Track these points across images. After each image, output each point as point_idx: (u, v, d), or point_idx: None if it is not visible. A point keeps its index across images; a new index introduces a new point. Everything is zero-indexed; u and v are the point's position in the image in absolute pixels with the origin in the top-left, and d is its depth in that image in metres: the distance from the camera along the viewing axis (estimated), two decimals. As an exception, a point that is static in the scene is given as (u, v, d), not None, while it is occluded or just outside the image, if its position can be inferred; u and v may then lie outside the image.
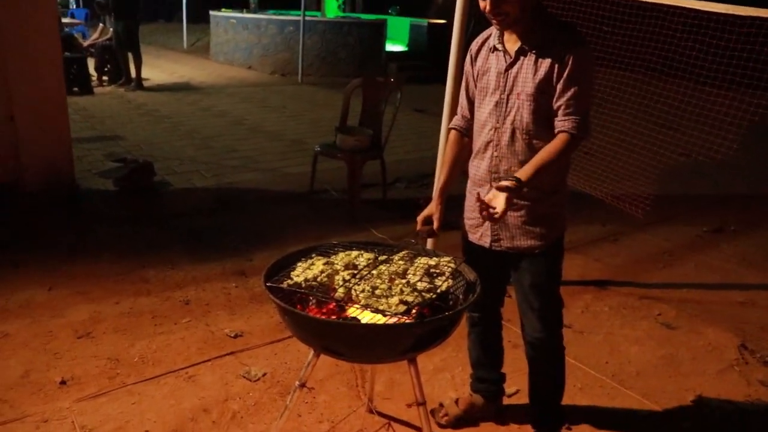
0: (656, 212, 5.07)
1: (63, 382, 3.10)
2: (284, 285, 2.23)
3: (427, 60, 14.65)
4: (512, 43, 2.35)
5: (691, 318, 4.02)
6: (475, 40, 2.53)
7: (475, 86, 2.50)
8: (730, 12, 2.89)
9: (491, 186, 2.42)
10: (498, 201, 2.16)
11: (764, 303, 4.31)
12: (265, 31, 14.40)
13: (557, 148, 2.27)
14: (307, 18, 13.55)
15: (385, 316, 2.05)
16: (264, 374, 3.23)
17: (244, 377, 3.21)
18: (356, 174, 5.47)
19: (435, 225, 2.58)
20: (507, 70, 2.35)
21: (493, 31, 2.42)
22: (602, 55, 4.87)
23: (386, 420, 2.90)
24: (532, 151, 2.34)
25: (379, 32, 14.56)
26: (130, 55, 11.05)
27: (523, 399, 3.00)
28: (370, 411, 2.94)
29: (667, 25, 4.25)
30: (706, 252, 5.19)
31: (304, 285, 2.23)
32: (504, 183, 2.16)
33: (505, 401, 3.04)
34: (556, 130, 2.30)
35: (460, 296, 2.32)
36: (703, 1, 3.12)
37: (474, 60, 2.51)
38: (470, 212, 2.59)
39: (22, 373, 3.16)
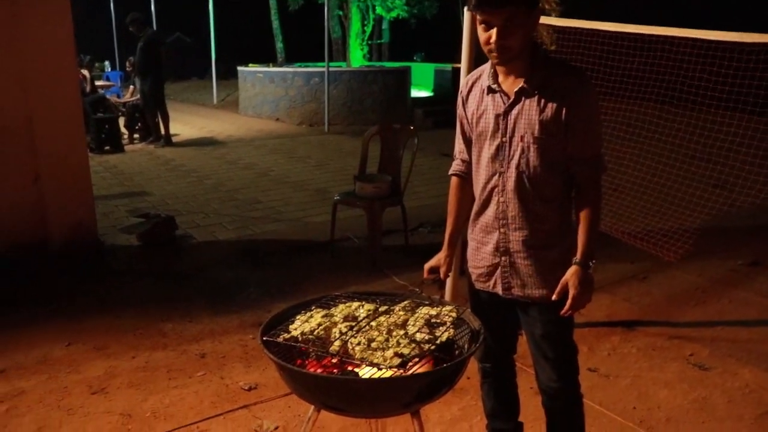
0: (688, 248, 4.91)
1: (74, 441, 3.06)
2: (280, 339, 2.17)
3: (452, 104, 14.66)
4: (510, 83, 2.24)
5: (726, 358, 3.83)
6: (465, 81, 2.44)
7: (471, 130, 2.40)
8: (737, 40, 2.81)
9: (500, 232, 2.34)
10: (571, 283, 2.21)
11: (804, 340, 4.11)
12: (291, 83, 14.65)
13: (593, 201, 2.25)
14: (331, 68, 13.77)
15: (380, 369, 1.97)
16: (276, 428, 3.15)
17: (257, 431, 3.13)
18: (376, 221, 5.42)
19: (441, 274, 2.52)
20: (507, 112, 2.25)
21: (485, 70, 2.33)
22: (616, 87, 4.81)
23: (400, 474, 2.79)
24: (539, 194, 2.26)
25: (403, 79, 14.70)
26: (158, 113, 11.32)
27: (544, 449, 2.86)
28: (384, 465, 2.82)
29: (687, 51, 4.17)
30: (741, 287, 4.99)
31: (300, 338, 2.17)
32: (569, 275, 2.22)
33: (526, 451, 2.91)
34: (578, 177, 2.25)
35: (465, 345, 2.23)
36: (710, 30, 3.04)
37: (465, 102, 2.41)
38: (478, 261, 2.47)
39: (35, 431, 3.13)
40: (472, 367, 2.65)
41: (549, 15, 2.30)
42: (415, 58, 20.33)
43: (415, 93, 15.93)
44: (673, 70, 4.68)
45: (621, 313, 4.45)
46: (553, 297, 2.25)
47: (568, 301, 2.21)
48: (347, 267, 5.46)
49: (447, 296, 4.14)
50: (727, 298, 4.78)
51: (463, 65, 3.87)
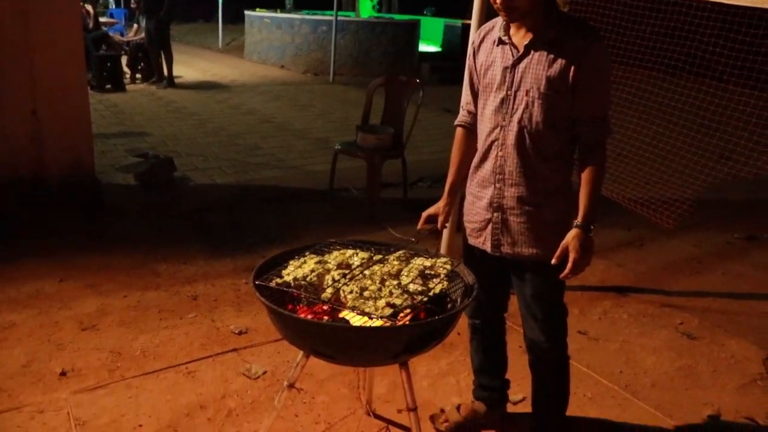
0: (687, 217, 4.89)
1: (63, 374, 3.08)
2: (272, 284, 2.16)
3: (460, 61, 14.50)
4: (521, 37, 2.20)
5: (714, 328, 3.85)
6: (478, 31, 2.40)
7: (479, 81, 2.37)
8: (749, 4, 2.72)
9: (495, 187, 2.32)
10: (571, 247, 2.18)
11: (795, 315, 4.12)
12: (298, 30, 14.43)
13: (598, 164, 2.22)
14: (340, 18, 13.54)
15: (371, 319, 1.96)
16: (264, 372, 3.17)
17: (245, 375, 3.15)
18: (376, 173, 5.39)
19: (439, 224, 2.50)
20: (515, 65, 2.21)
21: (498, 21, 2.28)
22: (628, 53, 4.71)
23: (384, 423, 2.82)
24: (538, 151, 2.23)
25: (412, 32, 14.48)
26: (162, 54, 11.16)
27: (528, 407, 2.86)
28: (369, 414, 2.85)
29: (697, 21, 4.07)
30: (736, 260, 4.99)
31: (293, 284, 2.16)
32: (569, 238, 2.19)
33: (511, 408, 2.94)
34: (582, 139, 2.22)
35: (458, 299, 2.23)
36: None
37: (476, 52, 2.37)
38: (472, 215, 2.45)
39: (24, 363, 3.15)
40: (463, 322, 2.65)
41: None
42: (425, 12, 19.96)
43: (423, 47, 15.70)
44: (689, 35, 4.56)
45: (615, 279, 4.45)
46: (553, 261, 2.22)
47: (568, 265, 2.19)
48: (345, 217, 5.44)
49: (442, 249, 4.13)
50: (721, 269, 4.78)
51: (474, 20, 3.78)
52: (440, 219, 2.50)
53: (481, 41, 2.36)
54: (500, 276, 2.52)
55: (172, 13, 11.17)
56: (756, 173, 5.13)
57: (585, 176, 2.24)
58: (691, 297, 4.28)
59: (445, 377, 3.22)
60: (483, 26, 2.40)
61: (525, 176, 2.26)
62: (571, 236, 2.21)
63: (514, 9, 2.09)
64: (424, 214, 2.53)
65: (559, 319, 2.48)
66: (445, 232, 3.97)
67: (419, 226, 2.52)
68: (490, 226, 2.37)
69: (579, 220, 2.21)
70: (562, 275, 2.22)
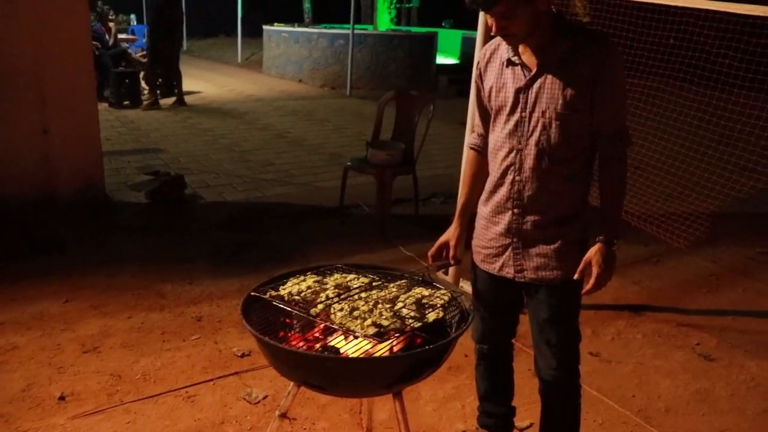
0: (700, 234, 4.74)
1: (62, 398, 3.04)
2: (267, 295, 2.13)
3: (477, 73, 14.43)
4: (531, 56, 2.10)
5: (733, 349, 3.72)
6: (483, 51, 2.29)
7: (489, 104, 2.26)
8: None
9: (513, 213, 2.22)
10: (594, 261, 2.11)
11: (818, 334, 3.97)
12: (315, 44, 14.46)
13: (619, 176, 2.15)
14: (356, 31, 13.55)
15: (356, 337, 1.91)
16: (265, 397, 3.10)
17: (245, 399, 3.09)
18: (386, 189, 5.32)
19: (451, 253, 2.41)
20: (528, 86, 2.10)
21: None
22: (638, 62, 4.62)
23: (385, 452, 2.74)
24: (558, 172, 2.13)
25: (429, 45, 14.45)
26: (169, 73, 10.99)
27: (535, 434, 2.79)
28: (369, 441, 2.77)
29: (714, 26, 3.96)
30: (757, 276, 4.84)
31: (287, 298, 2.12)
32: (592, 253, 2.13)
33: (517, 436, 2.84)
34: (604, 152, 2.14)
35: (454, 326, 2.15)
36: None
37: (483, 73, 2.26)
38: (486, 240, 2.34)
39: (23, 387, 3.12)
40: (470, 345, 2.57)
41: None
42: (443, 24, 19.95)
43: (441, 60, 15.65)
44: (701, 46, 4.46)
45: (629, 297, 4.34)
46: (575, 276, 2.15)
47: (591, 279, 2.12)
48: (355, 234, 5.38)
49: (451, 272, 4.05)
50: (741, 286, 4.64)
51: (479, 36, 3.72)
52: (452, 246, 2.41)
53: (488, 62, 2.25)
54: (511, 300, 2.43)
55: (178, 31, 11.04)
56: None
57: (606, 190, 2.17)
58: (709, 315, 4.14)
59: (451, 401, 3.13)
60: (488, 44, 2.29)
61: (545, 200, 2.17)
62: (593, 251, 2.13)
63: (513, 36, 2.03)
64: (437, 244, 2.45)
65: (573, 345, 2.38)
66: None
67: (431, 259, 2.44)
68: (509, 252, 2.27)
69: (602, 234, 2.13)
70: (584, 290, 2.15)
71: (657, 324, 3.98)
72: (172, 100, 11.13)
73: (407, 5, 22.46)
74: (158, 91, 11.70)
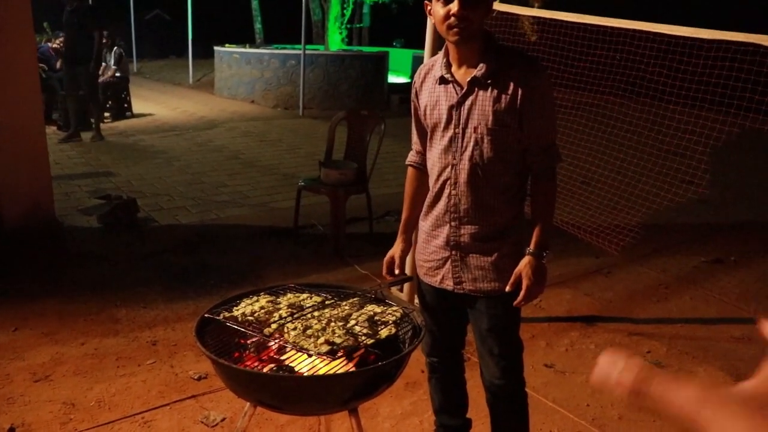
0: (654, 242, 4.87)
1: (11, 430, 2.96)
2: (221, 317, 2.14)
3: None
4: (463, 74, 2.19)
5: (682, 355, 3.83)
6: (418, 71, 2.39)
7: (425, 121, 2.34)
8: (692, 35, 2.76)
9: (450, 226, 2.29)
10: (524, 274, 2.20)
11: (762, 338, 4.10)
12: (267, 65, 14.44)
13: (548, 191, 2.25)
14: (308, 51, 13.58)
15: (309, 356, 1.93)
16: (223, 419, 3.08)
17: (203, 422, 3.06)
18: (339, 208, 5.35)
19: (396, 267, 2.48)
20: (460, 102, 2.19)
21: (438, 60, 2.27)
22: (583, 79, 4.77)
23: (344, 470, 2.73)
24: (492, 186, 2.21)
25: (381, 64, 14.57)
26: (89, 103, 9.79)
27: (492, 446, 2.81)
28: (328, 460, 2.77)
29: (648, 45, 4.12)
30: (703, 284, 4.99)
31: (240, 318, 2.13)
32: (522, 265, 2.21)
33: (475, 448, 2.87)
34: (534, 168, 2.23)
35: (407, 341, 2.18)
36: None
37: (419, 92, 2.35)
38: (427, 254, 2.42)
39: (-30, 421, 3.03)
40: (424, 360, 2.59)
41: (532, 6, 2.25)
42: (394, 43, 20.18)
43: (393, 79, 15.80)
44: (637, 64, 4.64)
45: (582, 308, 4.43)
46: (507, 288, 2.23)
47: (522, 292, 2.20)
48: (310, 254, 5.38)
49: (406, 289, 4.08)
50: (689, 295, 4.78)
51: (427, 49, 3.80)
52: (397, 261, 2.49)
53: (422, 81, 2.35)
54: (456, 312, 2.49)
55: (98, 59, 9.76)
56: (702, 193, 5.18)
57: (537, 204, 2.27)
58: (659, 324, 4.26)
59: (408, 418, 3.14)
60: (422, 66, 2.40)
61: (480, 213, 2.25)
62: (524, 263, 2.21)
63: (469, 22, 2.06)
64: (385, 262, 2.51)
65: (516, 354, 2.44)
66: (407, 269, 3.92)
67: (385, 277, 2.50)
68: (448, 264, 2.34)
69: (531, 247, 2.22)
70: (515, 302, 2.23)
71: (609, 334, 4.07)
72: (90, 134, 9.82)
73: (357, 25, 22.68)
74: (107, 114, 11.51)
